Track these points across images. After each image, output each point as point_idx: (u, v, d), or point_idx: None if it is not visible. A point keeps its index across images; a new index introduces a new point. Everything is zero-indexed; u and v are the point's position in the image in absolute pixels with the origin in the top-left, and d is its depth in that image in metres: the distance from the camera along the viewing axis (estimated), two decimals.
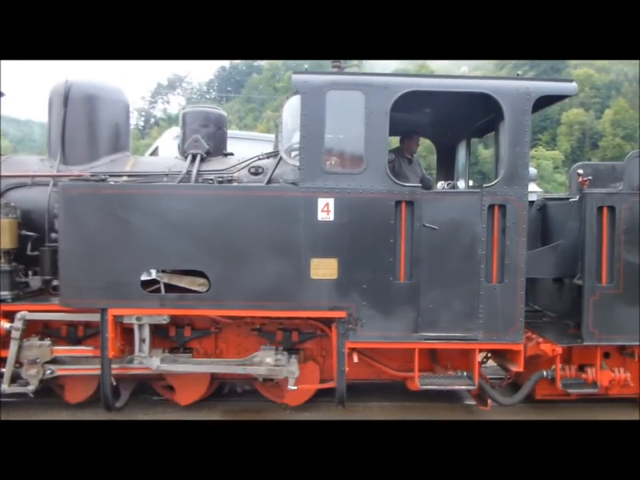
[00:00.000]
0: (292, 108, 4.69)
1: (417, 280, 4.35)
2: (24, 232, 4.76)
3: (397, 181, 4.35)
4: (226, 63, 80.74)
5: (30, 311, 4.43)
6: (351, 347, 4.44)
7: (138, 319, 4.43)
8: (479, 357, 4.63)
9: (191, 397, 4.88)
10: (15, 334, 4.27)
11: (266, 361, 4.47)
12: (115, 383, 4.50)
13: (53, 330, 4.78)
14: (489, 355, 5.34)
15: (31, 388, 4.31)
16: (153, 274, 4.48)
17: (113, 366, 4.43)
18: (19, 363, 4.43)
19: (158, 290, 4.49)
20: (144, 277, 4.38)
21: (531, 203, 5.26)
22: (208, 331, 4.88)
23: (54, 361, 4.48)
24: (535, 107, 4.34)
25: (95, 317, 4.43)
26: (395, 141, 5.98)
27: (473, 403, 5.14)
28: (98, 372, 4.45)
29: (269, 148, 7.35)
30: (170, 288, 4.49)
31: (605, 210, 4.39)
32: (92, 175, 4.67)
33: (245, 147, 6.23)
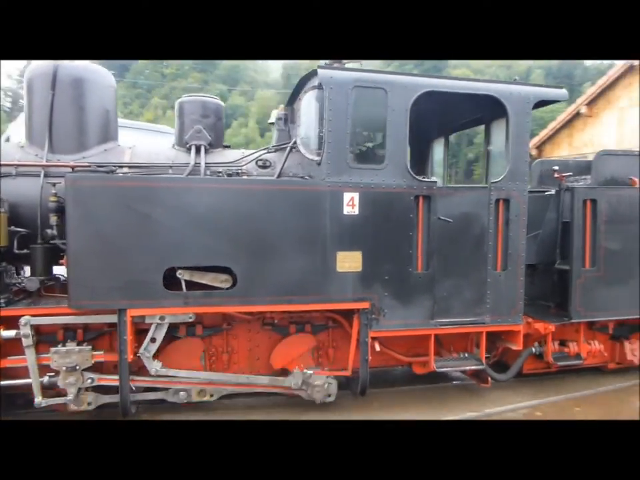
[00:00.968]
0: (309, 102, 4.70)
1: (433, 270, 4.63)
2: (13, 228, 4.26)
3: (416, 177, 4.57)
4: None
5: (34, 315, 4.01)
6: (373, 336, 4.61)
7: (161, 318, 4.21)
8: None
9: None
10: (27, 341, 3.84)
11: (315, 384, 4.62)
12: (134, 388, 4.24)
13: (46, 335, 4.36)
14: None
15: (70, 398, 3.93)
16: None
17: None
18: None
19: (174, 288, 4.29)
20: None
21: None
22: (220, 328, 4.76)
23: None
24: None
25: (111, 319, 4.13)
26: None
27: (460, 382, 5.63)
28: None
29: (160, 139, 7.09)
30: (188, 286, 4.31)
31: (589, 203, 5.01)
32: (99, 166, 4.31)
33: (133, 137, 5.83)
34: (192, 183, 4.19)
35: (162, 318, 4.21)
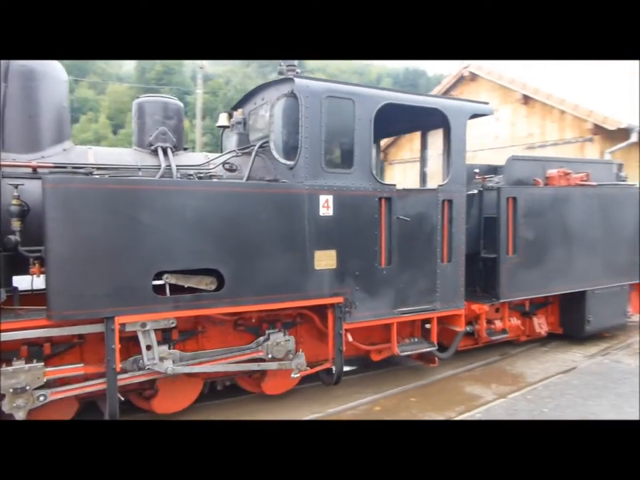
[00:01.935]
0: (282, 109, 4.89)
1: (395, 265, 5.14)
2: None
3: (379, 180, 5.03)
4: None
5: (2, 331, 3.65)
6: (346, 328, 4.97)
7: (142, 325, 4.09)
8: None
9: (184, 402, 4.69)
10: None
11: (277, 342, 4.74)
12: (122, 398, 4.05)
13: (7, 353, 3.97)
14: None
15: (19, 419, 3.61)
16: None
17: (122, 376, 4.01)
18: None
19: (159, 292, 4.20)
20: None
21: None
22: (195, 331, 4.75)
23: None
24: None
25: (96, 329, 3.92)
26: None
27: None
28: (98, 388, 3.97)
29: None
30: (171, 290, 4.25)
31: (510, 200, 5.95)
32: (74, 167, 4.03)
33: None
34: (182, 186, 4.15)
35: (143, 325, 4.10)
